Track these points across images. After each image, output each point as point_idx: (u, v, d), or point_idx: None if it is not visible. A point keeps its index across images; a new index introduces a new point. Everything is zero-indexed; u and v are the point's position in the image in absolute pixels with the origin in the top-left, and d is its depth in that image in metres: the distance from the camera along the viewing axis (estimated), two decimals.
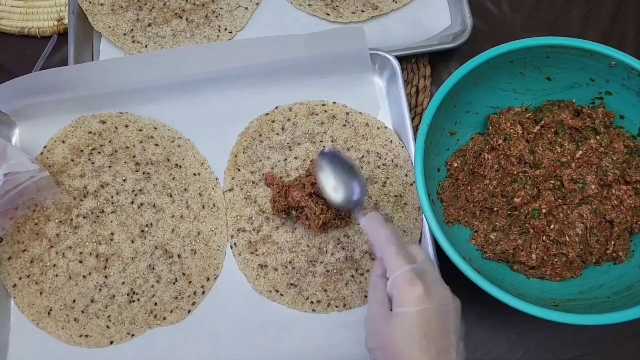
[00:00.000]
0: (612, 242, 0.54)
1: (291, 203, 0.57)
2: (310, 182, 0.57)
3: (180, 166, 0.62)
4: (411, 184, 0.60)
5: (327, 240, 0.59)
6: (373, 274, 0.45)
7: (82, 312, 0.57)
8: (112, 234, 0.59)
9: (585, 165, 0.56)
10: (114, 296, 0.57)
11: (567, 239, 0.54)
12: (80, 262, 0.58)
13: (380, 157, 0.62)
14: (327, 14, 0.69)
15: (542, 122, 0.57)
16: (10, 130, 0.64)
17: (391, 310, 0.42)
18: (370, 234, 0.45)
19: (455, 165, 0.57)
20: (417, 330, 0.40)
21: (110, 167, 0.62)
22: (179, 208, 0.60)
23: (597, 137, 0.56)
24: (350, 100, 0.64)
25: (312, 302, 0.57)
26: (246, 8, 0.69)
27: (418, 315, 0.40)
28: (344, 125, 0.63)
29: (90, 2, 0.68)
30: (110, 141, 0.63)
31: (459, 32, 0.67)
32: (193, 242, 0.59)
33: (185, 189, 0.61)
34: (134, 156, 0.62)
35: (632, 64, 0.51)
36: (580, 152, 0.56)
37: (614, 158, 0.55)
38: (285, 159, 0.62)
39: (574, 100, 0.57)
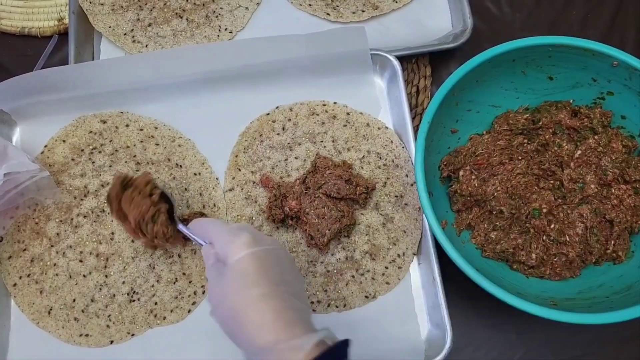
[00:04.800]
0: (612, 242, 0.54)
1: (287, 212, 0.57)
2: (307, 187, 0.57)
3: (180, 166, 0.62)
4: (412, 185, 0.60)
5: None
6: (206, 262, 0.46)
7: (83, 311, 0.57)
8: (112, 233, 0.59)
9: (584, 165, 0.56)
10: (114, 295, 0.57)
11: (567, 239, 0.54)
12: (81, 261, 0.58)
13: (380, 158, 0.62)
14: (328, 14, 0.69)
15: (540, 123, 0.57)
16: (11, 129, 0.64)
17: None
18: (195, 229, 0.49)
19: (448, 165, 0.57)
20: (250, 270, 0.41)
21: (110, 166, 0.62)
22: (180, 208, 0.60)
23: (596, 137, 0.56)
24: (351, 101, 0.64)
25: (312, 302, 0.57)
26: (247, 8, 0.69)
27: (248, 257, 0.42)
28: (345, 126, 0.63)
29: (90, 2, 0.68)
30: (110, 140, 0.63)
31: (459, 32, 0.67)
32: (193, 242, 0.59)
33: (185, 189, 0.61)
34: (134, 156, 0.62)
35: (634, 64, 0.51)
36: (579, 152, 0.56)
37: (613, 158, 0.55)
38: (286, 159, 0.62)
39: (571, 101, 0.57)
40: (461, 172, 0.56)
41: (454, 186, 0.56)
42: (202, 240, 0.49)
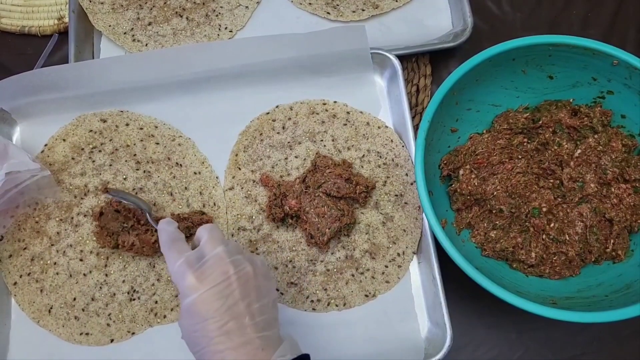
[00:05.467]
0: (612, 241, 0.54)
1: (287, 211, 0.57)
2: (307, 186, 0.57)
3: (180, 165, 0.62)
4: (412, 184, 0.61)
5: None
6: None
7: (83, 310, 0.57)
8: None
9: (584, 164, 0.56)
10: (114, 294, 0.58)
11: (567, 238, 0.54)
12: (81, 260, 0.59)
13: (380, 157, 0.62)
14: (328, 13, 0.69)
15: (540, 122, 0.57)
16: (12, 128, 0.64)
17: None
18: (159, 238, 0.47)
19: (448, 164, 0.57)
20: (197, 315, 0.42)
21: (110, 165, 0.62)
22: (180, 207, 0.60)
23: (596, 136, 0.56)
24: (351, 100, 0.64)
25: (312, 301, 0.57)
26: (247, 7, 0.69)
27: (194, 302, 0.42)
28: (345, 125, 0.63)
29: (90, 1, 0.68)
30: (111, 139, 0.63)
31: (460, 31, 0.67)
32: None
33: (185, 188, 0.61)
34: (134, 155, 0.62)
35: (634, 63, 0.51)
36: (579, 151, 0.56)
37: (613, 157, 0.55)
38: (286, 158, 0.62)
39: (571, 100, 0.57)
40: (461, 171, 0.56)
41: (453, 185, 0.56)
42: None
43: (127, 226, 0.57)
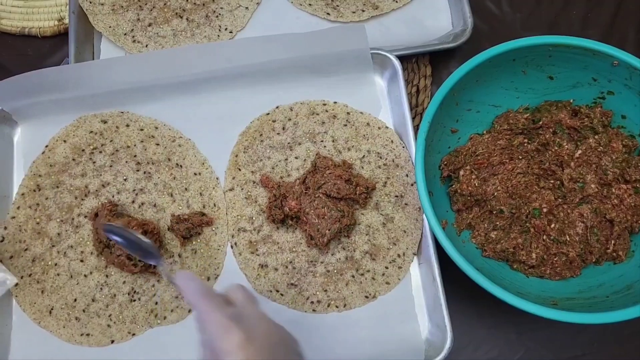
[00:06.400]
0: (612, 242, 0.54)
1: (287, 212, 0.57)
2: (307, 188, 0.57)
3: (181, 166, 0.62)
4: (412, 184, 0.60)
5: None
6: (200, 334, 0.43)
7: (83, 311, 0.57)
8: None
9: (584, 165, 0.56)
10: (114, 295, 0.58)
11: (568, 239, 0.54)
12: (82, 261, 0.59)
13: (381, 157, 0.62)
14: (328, 14, 0.69)
15: (541, 123, 0.57)
16: (12, 129, 0.64)
17: None
18: (183, 291, 0.44)
19: (449, 165, 0.57)
20: None
21: (111, 166, 0.62)
22: (180, 208, 0.60)
23: (596, 137, 0.56)
24: (351, 100, 0.64)
25: (312, 302, 0.57)
26: (247, 8, 0.69)
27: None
28: (345, 125, 0.63)
29: (90, 2, 0.68)
30: (111, 140, 0.63)
31: (460, 31, 0.67)
32: (193, 242, 0.59)
33: (186, 189, 0.61)
34: (135, 155, 0.62)
35: (634, 63, 0.51)
36: (579, 152, 0.56)
37: (613, 157, 0.55)
38: (286, 159, 0.62)
39: (571, 100, 0.57)
40: (461, 172, 0.56)
41: (454, 186, 0.56)
42: (186, 300, 0.44)
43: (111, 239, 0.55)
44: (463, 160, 0.57)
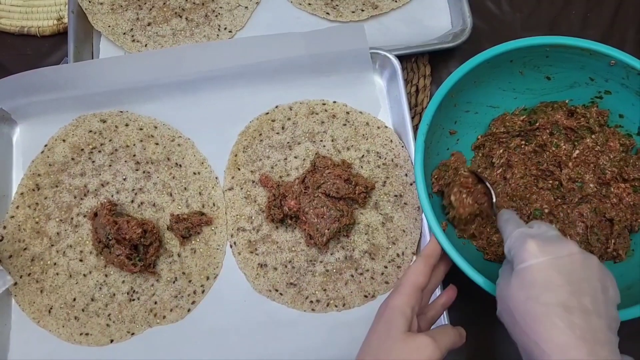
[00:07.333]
0: (612, 241, 0.54)
1: (287, 212, 0.57)
2: (305, 187, 0.57)
3: (180, 165, 0.62)
4: (411, 184, 0.61)
5: None
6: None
7: (83, 310, 0.57)
8: None
9: (582, 165, 0.56)
10: (114, 295, 0.58)
11: (568, 239, 0.54)
12: (81, 260, 0.59)
13: (380, 157, 0.62)
14: (327, 13, 0.69)
15: (537, 124, 0.57)
16: (11, 129, 0.64)
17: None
18: (498, 223, 0.46)
19: (439, 179, 0.56)
20: (537, 283, 0.38)
21: (110, 166, 0.62)
22: (179, 207, 0.60)
23: (593, 137, 0.56)
24: (351, 100, 0.64)
25: (311, 302, 0.57)
26: (246, 7, 0.69)
27: (535, 268, 0.38)
28: (344, 125, 0.63)
29: (90, 1, 0.68)
30: (110, 140, 0.63)
31: (459, 31, 0.67)
32: (193, 241, 0.59)
33: (185, 188, 0.61)
34: (134, 155, 0.62)
35: (631, 63, 0.51)
36: (577, 152, 0.56)
37: (611, 156, 0.55)
38: (286, 159, 0.62)
39: (567, 101, 0.57)
40: (452, 198, 0.54)
41: (450, 213, 0.54)
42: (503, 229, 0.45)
43: (110, 239, 0.56)
44: (451, 177, 0.55)
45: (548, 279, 0.38)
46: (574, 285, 0.38)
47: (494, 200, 0.53)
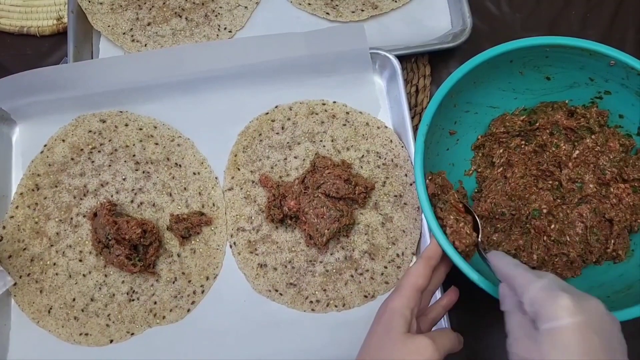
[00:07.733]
0: (612, 241, 0.54)
1: (287, 212, 0.57)
2: (305, 187, 0.57)
3: (180, 165, 0.62)
4: (411, 184, 0.61)
5: None
6: (502, 305, 0.42)
7: (82, 310, 0.57)
8: None
9: (582, 165, 0.56)
10: (113, 295, 0.58)
11: (568, 239, 0.54)
12: (80, 260, 0.59)
13: (380, 157, 0.62)
14: (327, 13, 0.69)
15: (537, 124, 0.57)
16: (11, 128, 0.64)
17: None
18: (496, 265, 0.43)
19: (433, 180, 0.53)
20: (575, 347, 0.34)
21: (110, 166, 0.62)
22: (179, 207, 0.60)
23: (593, 137, 0.56)
24: (351, 100, 0.64)
25: (311, 302, 0.57)
26: (246, 7, 0.69)
27: (572, 328, 0.34)
28: (344, 125, 0.63)
29: (89, 1, 0.68)
30: (110, 140, 0.63)
31: (459, 31, 0.67)
32: (192, 241, 0.59)
33: (185, 188, 0.61)
34: (133, 155, 0.62)
35: (631, 63, 0.51)
36: (577, 152, 0.56)
37: (611, 157, 0.55)
38: (285, 159, 0.62)
39: (567, 101, 0.57)
40: (449, 222, 0.49)
41: (450, 237, 0.48)
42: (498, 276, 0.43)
43: (110, 239, 0.56)
44: (442, 186, 0.53)
45: (587, 341, 0.34)
46: (606, 345, 0.35)
47: (480, 237, 0.50)
